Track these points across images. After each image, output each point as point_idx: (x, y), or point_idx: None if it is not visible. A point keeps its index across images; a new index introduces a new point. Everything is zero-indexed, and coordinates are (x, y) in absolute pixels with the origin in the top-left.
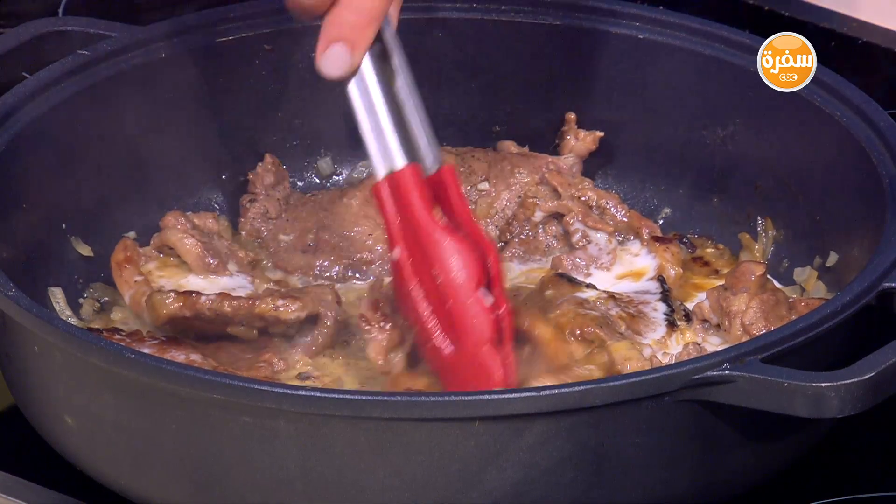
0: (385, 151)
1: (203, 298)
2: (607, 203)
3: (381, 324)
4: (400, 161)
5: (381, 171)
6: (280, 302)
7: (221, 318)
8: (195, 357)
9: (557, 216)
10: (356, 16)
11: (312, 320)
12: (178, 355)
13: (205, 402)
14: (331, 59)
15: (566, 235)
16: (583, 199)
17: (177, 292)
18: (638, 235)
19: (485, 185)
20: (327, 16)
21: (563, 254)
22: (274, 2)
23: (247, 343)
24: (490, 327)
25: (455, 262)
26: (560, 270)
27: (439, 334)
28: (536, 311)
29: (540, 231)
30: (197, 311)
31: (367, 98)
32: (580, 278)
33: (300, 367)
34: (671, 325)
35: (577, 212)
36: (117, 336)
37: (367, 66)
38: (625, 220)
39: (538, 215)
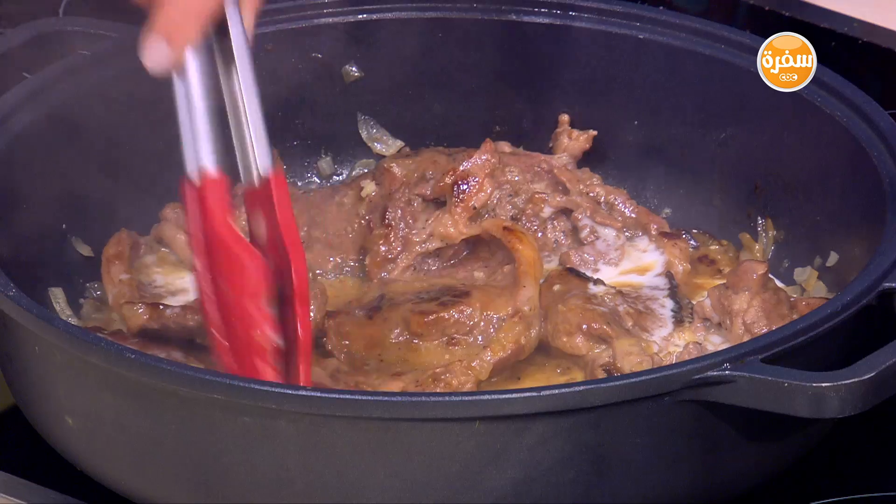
0: (196, 152)
1: (168, 312)
2: (615, 199)
3: None
4: (211, 165)
5: (192, 171)
6: None
7: (187, 330)
8: (177, 355)
9: (566, 212)
10: (176, 12)
11: None
12: (160, 354)
13: (205, 402)
14: (150, 52)
15: (574, 231)
16: (591, 195)
17: (146, 304)
18: (646, 231)
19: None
20: (156, 10)
21: (572, 249)
22: (274, 2)
23: None
24: (267, 338)
25: (240, 272)
26: (568, 265)
27: (221, 342)
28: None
29: (548, 227)
30: (163, 324)
31: (188, 97)
32: (588, 273)
33: None
34: (678, 322)
35: (585, 207)
36: (101, 334)
37: (194, 66)
38: (633, 216)
39: (546, 211)
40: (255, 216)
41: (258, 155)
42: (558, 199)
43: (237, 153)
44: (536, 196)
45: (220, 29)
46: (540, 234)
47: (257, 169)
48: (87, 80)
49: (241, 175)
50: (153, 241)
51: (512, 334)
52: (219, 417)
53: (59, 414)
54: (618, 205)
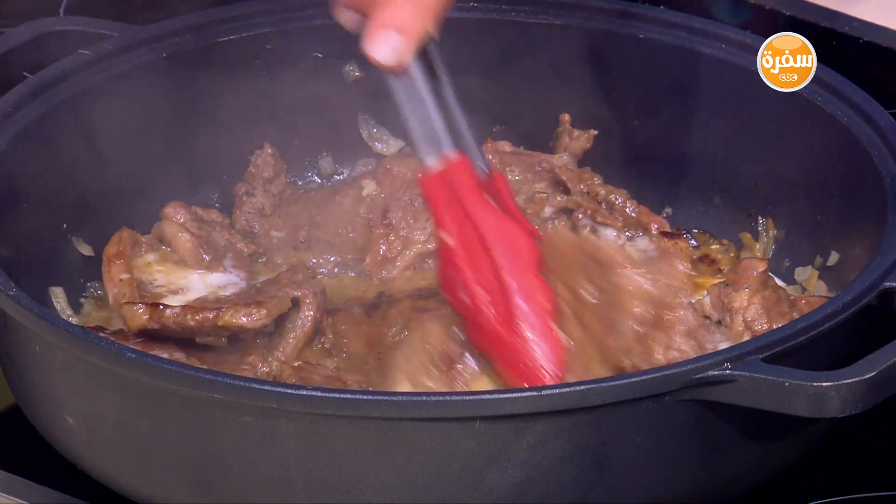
0: (434, 140)
1: (168, 312)
2: (616, 198)
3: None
4: (450, 148)
5: (430, 160)
6: (243, 311)
7: (187, 330)
8: (178, 355)
9: (566, 212)
10: (411, 6)
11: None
12: (162, 353)
13: (206, 401)
14: (380, 45)
15: (575, 230)
16: (591, 194)
17: (146, 304)
18: (647, 231)
19: None
20: (382, 8)
21: None
22: (274, 2)
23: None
24: (550, 304)
25: (516, 245)
26: None
27: (493, 317)
28: None
29: (549, 227)
30: (163, 324)
31: (415, 90)
32: None
33: (284, 365)
34: None
35: (586, 207)
36: (102, 334)
37: (417, 64)
38: (634, 215)
39: (547, 211)
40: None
41: (476, 155)
42: (559, 198)
43: (444, 138)
44: (537, 195)
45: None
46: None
47: (479, 168)
48: (87, 80)
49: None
50: (154, 239)
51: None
52: (219, 417)
53: (59, 413)
54: (618, 204)
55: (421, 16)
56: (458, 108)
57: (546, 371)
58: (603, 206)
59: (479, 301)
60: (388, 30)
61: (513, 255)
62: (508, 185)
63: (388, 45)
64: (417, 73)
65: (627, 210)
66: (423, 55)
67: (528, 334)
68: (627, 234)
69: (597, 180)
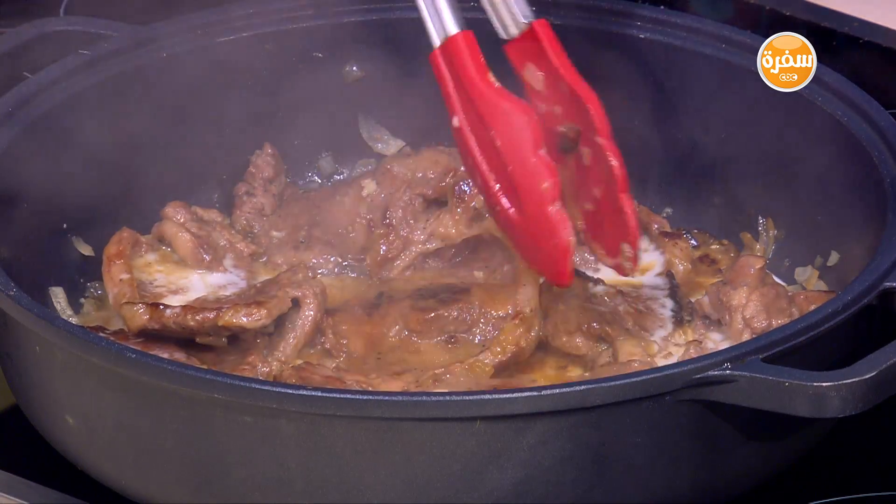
0: (437, 18)
1: (168, 312)
2: None
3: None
4: (452, 27)
5: (435, 40)
6: (243, 311)
7: (187, 330)
8: (179, 355)
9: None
10: None
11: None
12: (161, 353)
13: (206, 401)
14: None
15: (575, 230)
16: None
17: (146, 304)
18: (647, 231)
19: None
20: None
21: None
22: (274, 2)
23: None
24: (553, 186)
25: (509, 124)
26: None
27: (504, 198)
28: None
29: None
30: (163, 324)
31: None
32: (588, 273)
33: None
34: (678, 323)
35: None
36: (102, 334)
37: None
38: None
39: None
40: (527, 69)
41: (516, 3)
42: None
43: (491, 13)
44: None
45: None
46: None
47: (520, 18)
48: (87, 80)
49: (502, 31)
50: (154, 239)
51: (513, 336)
52: (219, 417)
53: (59, 413)
54: None
55: None
56: None
57: (555, 254)
58: None
59: (488, 183)
60: None
61: (511, 135)
62: (553, 36)
63: None
64: None
65: None
66: None
67: (533, 216)
68: None
69: None
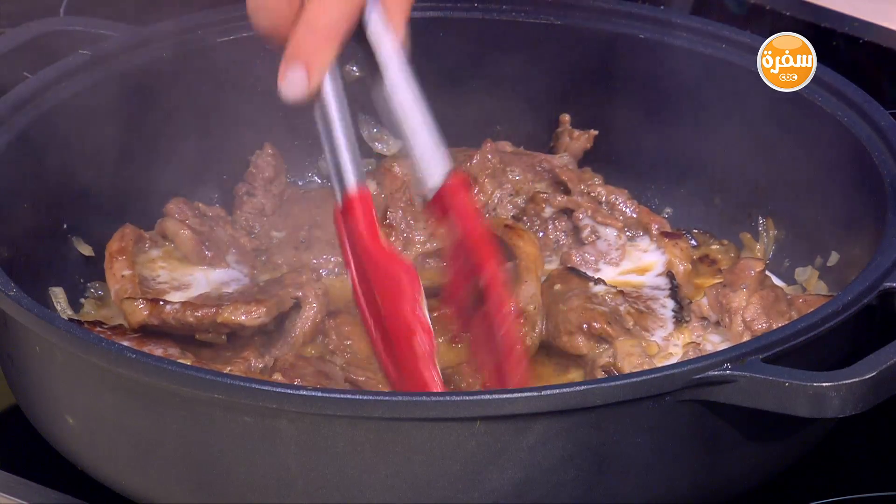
0: (339, 172)
1: (168, 308)
2: (616, 199)
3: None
4: (352, 183)
5: (337, 196)
6: (242, 310)
7: (187, 326)
8: (173, 351)
9: (567, 212)
10: (312, 35)
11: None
12: (156, 349)
13: (206, 401)
14: (289, 83)
15: (575, 231)
16: (592, 194)
17: (146, 300)
18: (647, 231)
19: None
20: (290, 36)
21: (573, 249)
22: None
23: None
24: (426, 346)
25: (390, 284)
26: (569, 265)
27: (383, 355)
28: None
29: (549, 227)
30: (163, 320)
31: (325, 121)
32: (589, 273)
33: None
34: (679, 322)
35: (586, 207)
36: (98, 329)
37: (328, 88)
38: (634, 215)
39: (548, 211)
40: (446, 223)
41: (428, 165)
42: (559, 198)
43: (346, 169)
44: (538, 196)
45: (358, 38)
46: (541, 234)
47: (436, 174)
48: (88, 80)
49: (425, 184)
50: (157, 235)
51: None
52: (219, 417)
53: (59, 413)
54: (619, 205)
55: (327, 45)
56: (412, 106)
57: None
58: (603, 206)
59: (373, 339)
60: (295, 64)
61: (392, 294)
62: (465, 197)
63: (296, 82)
64: (329, 97)
65: (627, 210)
66: (370, 62)
67: (408, 375)
68: (628, 233)
69: (597, 181)
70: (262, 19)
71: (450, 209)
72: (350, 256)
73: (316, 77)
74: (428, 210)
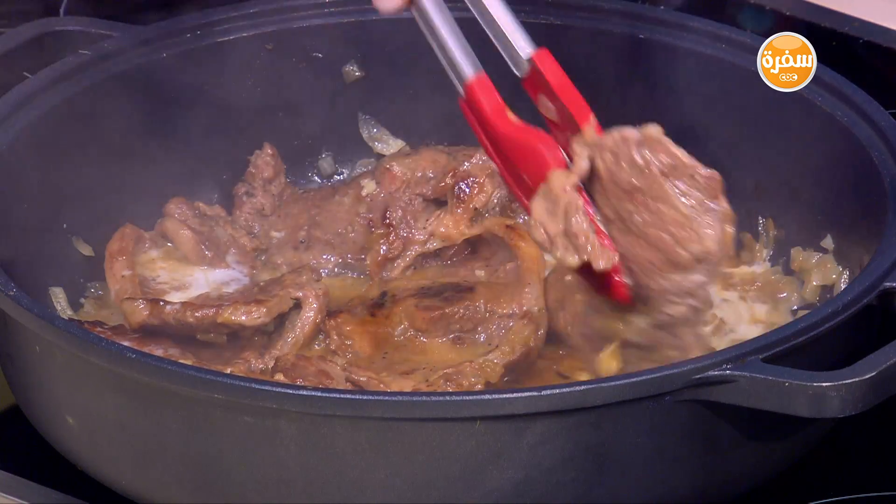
0: (454, 67)
1: (168, 308)
2: None
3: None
4: (468, 73)
5: (458, 88)
6: (242, 310)
7: (187, 326)
8: (173, 351)
9: None
10: None
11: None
12: (157, 349)
13: (206, 401)
14: None
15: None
16: None
17: (146, 300)
18: None
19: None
20: None
21: None
22: (274, 2)
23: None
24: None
25: (530, 157)
26: None
27: None
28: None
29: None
30: (163, 320)
31: (426, 18)
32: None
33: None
34: None
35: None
36: (99, 329)
37: None
38: None
39: None
40: (541, 101)
41: (516, 42)
42: None
43: (502, 52)
44: None
45: None
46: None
47: (520, 55)
48: (87, 80)
49: (514, 69)
50: (157, 235)
51: (521, 336)
52: (219, 417)
53: (59, 413)
54: None
55: None
56: None
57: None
58: None
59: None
60: None
61: (535, 171)
62: (554, 64)
63: None
64: (426, 4)
65: None
66: None
67: None
68: None
69: None
70: None
71: (547, 77)
72: (486, 142)
73: None
74: (526, 84)
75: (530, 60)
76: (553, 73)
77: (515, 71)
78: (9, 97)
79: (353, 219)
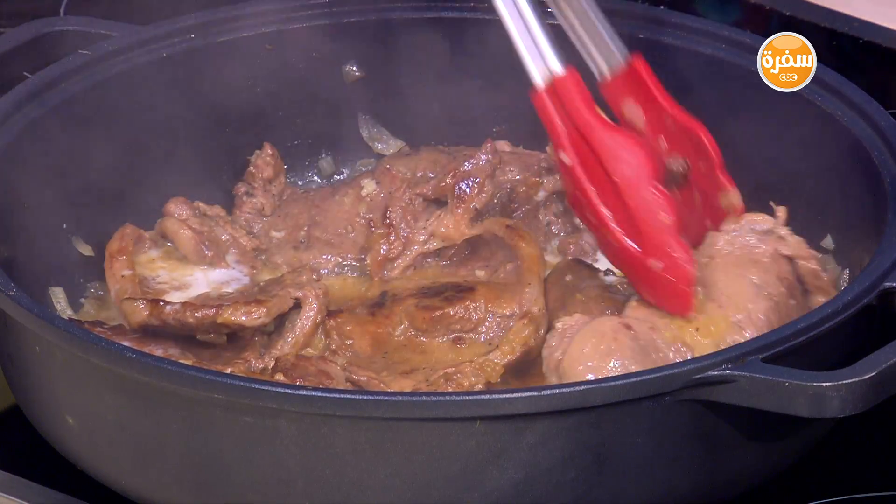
0: (541, 58)
1: (168, 308)
2: None
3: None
4: (557, 67)
5: (538, 80)
6: (242, 310)
7: (187, 327)
8: (173, 351)
9: (561, 195)
10: None
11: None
12: (157, 349)
13: (206, 401)
14: None
15: (567, 213)
16: None
17: (146, 300)
18: None
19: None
20: None
21: (569, 237)
22: (274, 2)
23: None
24: (671, 218)
25: (627, 159)
26: (567, 255)
27: (620, 233)
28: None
29: (540, 210)
30: (163, 321)
31: (514, 9)
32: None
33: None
34: None
35: None
36: (99, 329)
37: None
38: None
39: (541, 195)
40: (626, 104)
41: (613, 43)
42: (550, 180)
43: (587, 56)
44: (532, 180)
45: None
46: (531, 218)
47: (618, 58)
48: (88, 80)
49: (598, 70)
50: (157, 235)
51: (522, 336)
52: (219, 417)
53: (59, 413)
54: None
55: None
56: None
57: (677, 287)
58: None
59: (604, 219)
60: None
61: (628, 169)
62: (651, 72)
63: None
64: None
65: None
66: None
67: (654, 250)
68: None
69: None
70: None
71: (640, 84)
72: (563, 137)
73: None
74: (609, 88)
75: (627, 63)
76: (651, 77)
77: (600, 73)
78: (9, 97)
79: (353, 219)
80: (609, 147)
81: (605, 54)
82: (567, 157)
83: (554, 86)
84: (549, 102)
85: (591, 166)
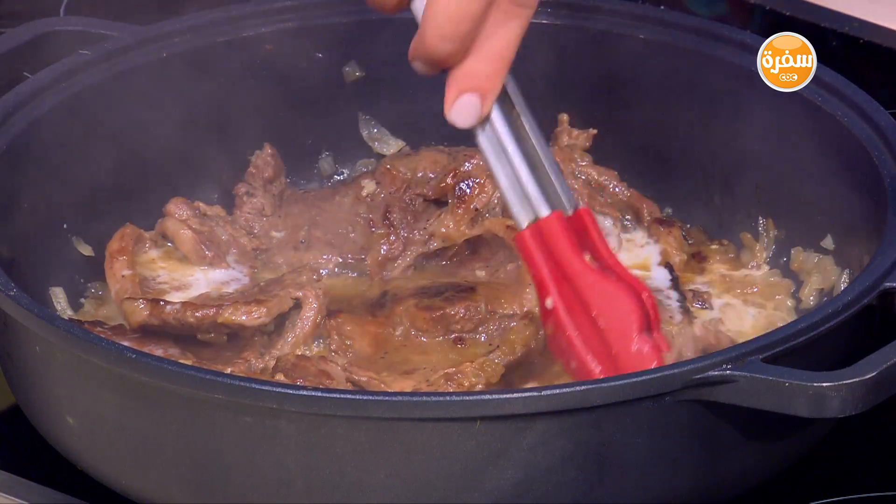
0: (526, 200)
1: (168, 308)
2: (607, 180)
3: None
4: (544, 209)
5: (522, 221)
6: (242, 310)
7: (187, 326)
8: (173, 351)
9: None
10: (491, 65)
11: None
12: (157, 349)
13: (206, 401)
14: (462, 110)
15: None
16: (582, 177)
17: (146, 300)
18: (639, 215)
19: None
20: (458, 67)
21: None
22: (274, 2)
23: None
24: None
25: (617, 306)
26: None
27: (599, 371)
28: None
29: None
30: (163, 320)
31: (498, 146)
32: None
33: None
34: (685, 312)
35: (581, 193)
36: (99, 329)
37: (496, 113)
38: (624, 198)
39: None
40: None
41: (563, 191)
42: None
43: (533, 194)
44: None
45: None
46: None
47: (568, 205)
48: (88, 80)
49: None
50: (158, 235)
51: (522, 336)
52: (219, 417)
53: (59, 413)
54: (609, 186)
55: (500, 72)
56: (541, 143)
57: None
58: (592, 186)
59: (589, 365)
60: (469, 93)
61: (615, 318)
62: (598, 225)
63: (469, 109)
64: (501, 126)
65: (618, 192)
66: (502, 93)
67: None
68: (625, 222)
69: (587, 161)
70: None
71: (587, 235)
72: (547, 279)
73: (489, 104)
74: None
75: (576, 214)
76: (596, 228)
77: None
78: (9, 97)
79: (353, 219)
80: (596, 294)
81: (559, 199)
82: (550, 302)
83: (539, 228)
84: (532, 244)
85: (575, 310)
